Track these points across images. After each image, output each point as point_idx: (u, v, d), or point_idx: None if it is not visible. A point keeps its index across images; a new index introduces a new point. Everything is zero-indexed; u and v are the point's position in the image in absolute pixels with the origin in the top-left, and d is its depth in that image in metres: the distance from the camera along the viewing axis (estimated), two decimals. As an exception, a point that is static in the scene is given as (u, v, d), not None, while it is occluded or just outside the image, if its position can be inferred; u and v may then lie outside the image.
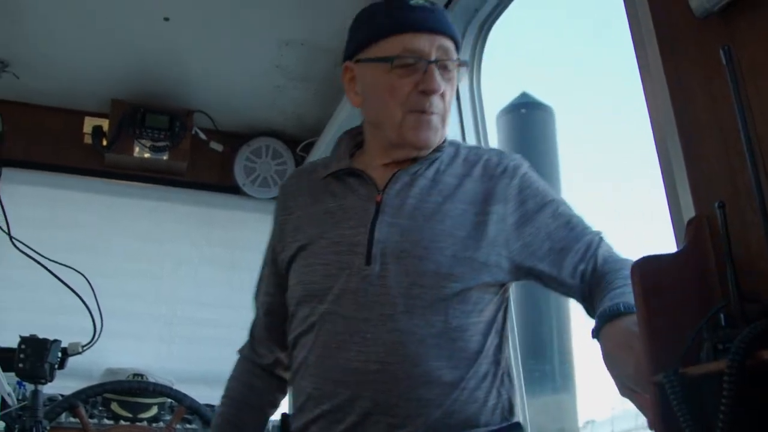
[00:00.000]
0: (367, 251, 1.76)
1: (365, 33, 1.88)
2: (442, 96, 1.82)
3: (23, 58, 3.73)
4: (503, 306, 1.84)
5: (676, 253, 1.34)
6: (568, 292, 1.79)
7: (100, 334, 3.35)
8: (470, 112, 2.85)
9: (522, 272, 1.81)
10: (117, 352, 3.85)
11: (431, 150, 1.86)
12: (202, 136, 4.19)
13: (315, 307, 1.78)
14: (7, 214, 3.73)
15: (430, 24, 1.81)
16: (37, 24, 3.43)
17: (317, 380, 1.74)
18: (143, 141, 4.00)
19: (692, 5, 1.42)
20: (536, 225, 1.80)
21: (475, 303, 1.74)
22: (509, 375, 1.83)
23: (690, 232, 1.34)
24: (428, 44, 1.79)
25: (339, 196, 1.88)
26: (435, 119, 1.81)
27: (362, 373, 1.68)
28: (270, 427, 2.12)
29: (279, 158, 4.29)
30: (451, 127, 2.81)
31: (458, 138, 2.82)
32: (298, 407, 1.80)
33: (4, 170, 3.88)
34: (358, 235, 1.79)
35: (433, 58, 1.79)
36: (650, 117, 1.58)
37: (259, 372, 2.06)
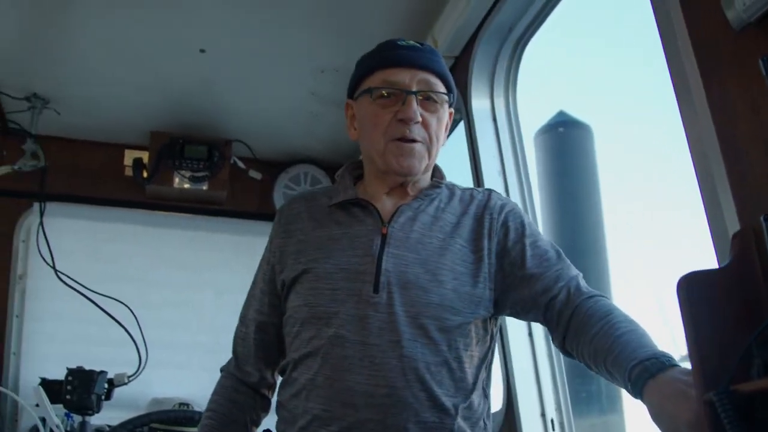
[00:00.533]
0: (375, 279, 1.84)
1: (357, 72, 2.02)
2: (425, 126, 1.91)
3: (63, 95, 3.80)
4: (493, 343, 1.96)
5: (722, 267, 1.32)
6: (537, 314, 1.88)
7: (145, 364, 3.38)
8: (507, 131, 2.84)
9: (501, 303, 1.92)
10: (162, 382, 3.87)
11: (416, 176, 1.96)
12: (241, 165, 4.22)
13: (321, 330, 1.84)
14: (51, 247, 3.79)
15: (413, 60, 1.93)
16: (76, 61, 3.48)
17: (326, 401, 1.79)
18: (183, 172, 4.04)
19: (729, 17, 1.41)
20: (513, 255, 1.90)
21: (472, 337, 1.86)
22: (490, 410, 1.96)
23: (736, 245, 1.32)
24: (408, 77, 1.91)
25: (344, 224, 1.95)
26: (417, 147, 1.91)
27: (372, 396, 1.76)
28: None
29: (317, 185, 4.31)
30: (488, 148, 2.82)
31: (496, 158, 2.82)
32: (300, 427, 1.83)
33: (48, 205, 3.94)
34: (365, 263, 1.86)
35: (413, 89, 1.90)
36: (686, 132, 1.56)
37: (244, 389, 2.10)
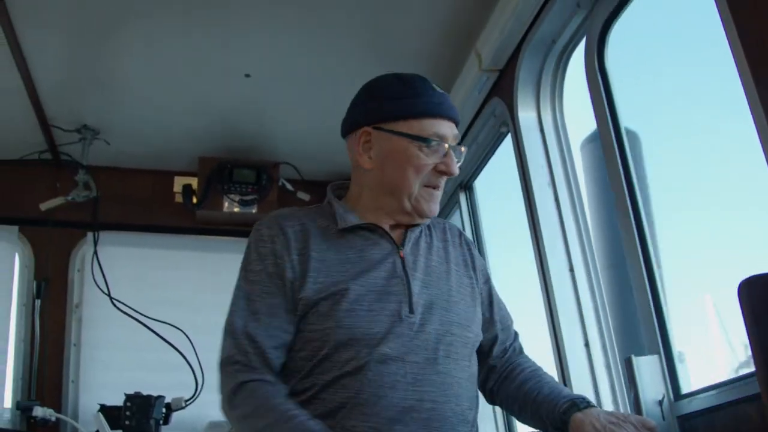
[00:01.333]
0: (409, 300, 1.91)
1: (394, 107, 2.00)
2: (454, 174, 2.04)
3: (113, 125, 3.86)
4: None
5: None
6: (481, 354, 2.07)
7: (201, 388, 3.40)
8: (555, 142, 2.81)
9: None
10: (219, 406, 3.87)
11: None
12: (289, 187, 4.24)
13: (360, 351, 1.85)
14: (106, 275, 3.84)
15: (450, 112, 2.01)
16: (124, 91, 3.54)
17: (371, 418, 1.81)
18: (232, 196, 4.07)
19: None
20: (483, 296, 2.13)
21: (476, 353, 2.02)
22: None
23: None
24: (449, 130, 2.00)
25: (358, 248, 1.97)
26: (440, 195, 2.05)
27: (418, 411, 1.82)
28: None
29: (366, 203, 4.30)
30: (536, 159, 2.81)
31: (545, 169, 2.80)
32: None
33: (101, 234, 4.00)
34: (394, 285, 1.93)
35: (450, 143, 2.00)
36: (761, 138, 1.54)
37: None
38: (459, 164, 2.02)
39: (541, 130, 2.84)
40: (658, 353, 2.40)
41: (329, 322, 1.87)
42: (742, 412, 1.97)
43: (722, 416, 2.07)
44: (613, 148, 2.44)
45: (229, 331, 1.99)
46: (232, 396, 1.87)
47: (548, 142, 2.81)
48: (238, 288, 2.02)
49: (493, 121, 3.18)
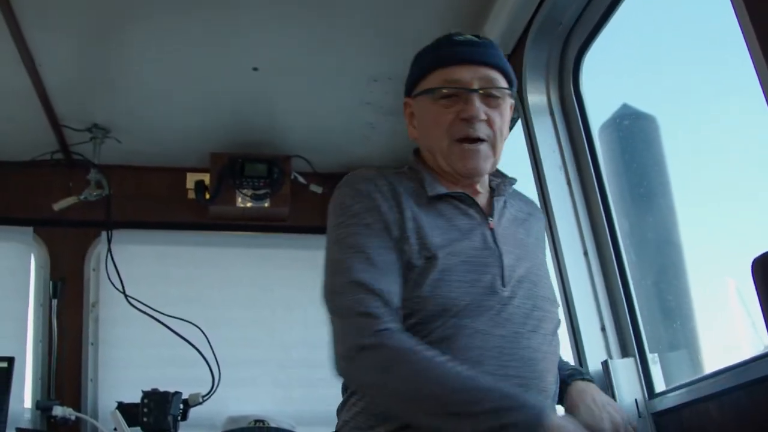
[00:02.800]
0: (501, 273, 1.85)
1: (416, 70, 2.01)
2: (489, 123, 1.91)
3: (123, 123, 3.86)
4: None
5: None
6: None
7: (218, 383, 3.41)
8: (565, 126, 2.79)
9: None
10: (236, 400, 3.89)
11: (482, 177, 1.98)
12: (301, 179, 4.23)
13: (447, 320, 1.79)
14: (121, 274, 3.84)
15: (472, 56, 1.92)
16: (133, 89, 3.54)
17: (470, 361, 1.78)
18: (244, 191, 4.06)
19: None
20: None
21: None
22: None
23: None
24: (469, 75, 1.90)
25: (448, 216, 1.92)
26: (483, 147, 1.92)
27: (506, 377, 1.77)
28: None
29: (379, 194, 4.29)
30: (546, 143, 2.78)
31: (556, 153, 2.78)
32: None
33: (115, 232, 4.00)
34: (487, 256, 1.86)
35: (475, 87, 1.89)
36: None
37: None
38: (501, 109, 1.92)
39: (551, 114, 2.82)
40: (633, 355, 2.46)
41: (418, 290, 1.81)
42: (704, 410, 2.09)
43: (689, 413, 2.18)
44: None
45: (348, 284, 1.79)
46: (365, 348, 1.73)
47: (558, 126, 2.79)
48: (344, 244, 1.84)
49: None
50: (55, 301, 4.03)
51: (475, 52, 1.93)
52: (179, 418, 3.16)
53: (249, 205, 4.08)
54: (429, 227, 1.86)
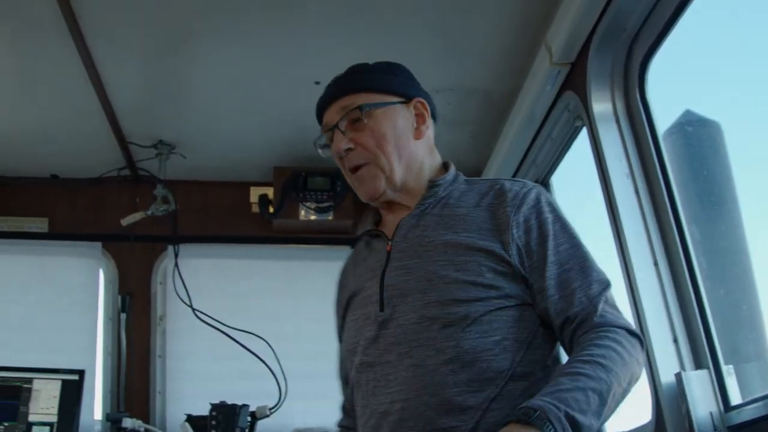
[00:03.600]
0: (380, 298, 1.85)
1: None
2: (362, 146, 1.94)
3: (188, 139, 3.91)
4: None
5: None
6: (554, 330, 1.86)
7: (285, 396, 3.42)
8: (632, 134, 2.75)
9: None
10: (303, 413, 3.89)
11: (383, 196, 1.96)
12: (364, 192, 4.22)
13: (353, 361, 1.90)
14: (187, 287, 3.89)
15: (330, 95, 2.02)
16: (197, 104, 3.59)
17: (361, 429, 1.86)
18: (308, 204, 4.08)
19: None
20: (534, 260, 1.84)
21: (493, 322, 1.77)
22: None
23: None
24: (331, 114, 1.99)
25: (363, 257, 2.02)
26: (364, 171, 1.94)
27: (390, 413, 1.75)
28: None
29: (440, 205, 4.27)
30: (613, 151, 2.73)
31: (623, 161, 2.73)
32: None
33: (181, 246, 4.05)
34: (373, 286, 1.88)
35: (335, 122, 1.97)
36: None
37: None
38: (367, 124, 1.94)
39: (617, 122, 2.77)
40: (708, 367, 2.39)
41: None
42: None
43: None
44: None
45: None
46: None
47: (624, 134, 2.74)
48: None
49: (566, 115, 3.13)
50: (123, 315, 4.09)
51: (332, 90, 2.03)
52: (247, 430, 3.17)
53: (312, 218, 4.10)
54: (351, 281, 2.08)
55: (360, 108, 1.95)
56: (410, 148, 1.98)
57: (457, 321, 1.75)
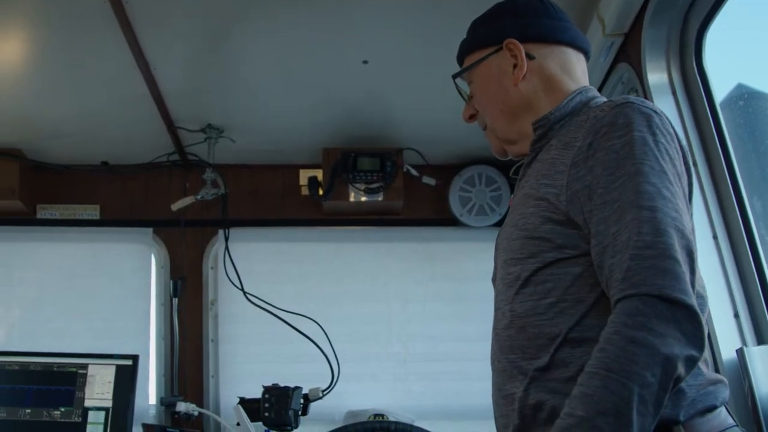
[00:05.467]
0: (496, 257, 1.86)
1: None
2: (479, 107, 1.93)
3: (237, 123, 3.90)
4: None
5: None
6: None
7: (337, 378, 3.40)
8: (689, 105, 2.67)
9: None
10: (356, 395, 3.89)
11: (509, 154, 1.93)
12: (414, 172, 4.19)
13: None
14: (238, 271, 3.89)
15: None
16: (244, 87, 3.56)
17: None
18: (357, 185, 4.05)
19: None
20: (583, 205, 1.59)
21: (548, 283, 1.62)
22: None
23: None
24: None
25: None
26: (486, 134, 1.95)
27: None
28: None
29: (493, 184, 4.22)
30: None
31: (680, 133, 2.65)
32: None
33: (232, 230, 4.05)
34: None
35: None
36: None
37: None
38: (474, 85, 1.94)
39: (673, 93, 2.70)
40: None
41: None
42: None
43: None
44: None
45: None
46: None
47: (681, 105, 2.67)
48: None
49: (620, 87, 3.05)
50: (175, 300, 4.11)
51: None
52: (300, 412, 3.16)
53: (363, 199, 4.08)
54: None
55: (462, 71, 1.96)
56: (510, 99, 1.85)
57: (512, 282, 1.67)
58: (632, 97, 1.63)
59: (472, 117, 1.96)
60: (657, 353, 1.38)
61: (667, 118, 1.64)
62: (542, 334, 1.60)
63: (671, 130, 1.63)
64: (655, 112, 1.61)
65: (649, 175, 1.52)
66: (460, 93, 1.98)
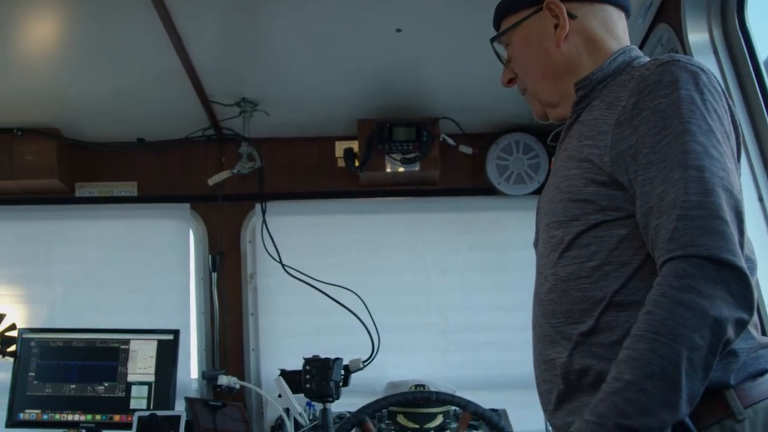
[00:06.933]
0: (537, 221, 1.83)
1: None
2: (522, 72, 1.87)
3: (271, 96, 3.88)
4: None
5: None
6: None
7: (377, 349, 3.40)
8: (731, 65, 2.61)
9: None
10: (396, 365, 3.89)
11: (550, 118, 1.88)
12: (450, 141, 4.15)
13: None
14: (276, 244, 3.89)
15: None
16: (278, 59, 3.54)
17: None
18: (393, 155, 4.03)
19: None
20: (629, 165, 1.55)
21: (591, 245, 1.58)
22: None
23: None
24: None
25: None
26: (526, 97, 1.91)
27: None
28: None
29: (530, 152, 4.17)
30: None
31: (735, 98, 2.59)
32: None
33: (269, 204, 4.06)
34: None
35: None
36: None
37: None
38: (513, 47, 1.88)
39: (715, 53, 2.63)
40: None
41: None
42: None
43: None
44: None
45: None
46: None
47: (723, 65, 2.61)
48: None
49: (660, 49, 2.99)
50: (214, 275, 4.13)
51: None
52: (341, 383, 3.17)
53: (399, 170, 4.05)
54: None
55: (498, 35, 1.90)
56: (552, 61, 1.80)
57: (555, 245, 1.64)
58: (678, 55, 1.59)
59: (510, 81, 1.91)
60: (706, 315, 1.34)
61: (714, 76, 1.58)
62: (586, 297, 1.56)
63: (719, 88, 1.58)
64: (702, 70, 1.57)
65: (697, 134, 1.48)
66: (499, 57, 1.93)
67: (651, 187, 1.49)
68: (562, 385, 1.58)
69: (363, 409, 3.22)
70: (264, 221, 3.99)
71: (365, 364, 3.30)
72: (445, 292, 4.21)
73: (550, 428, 1.71)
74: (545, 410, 1.67)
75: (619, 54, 1.76)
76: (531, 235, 1.90)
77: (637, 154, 1.52)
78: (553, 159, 1.84)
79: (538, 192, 3.98)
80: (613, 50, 1.77)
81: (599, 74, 1.74)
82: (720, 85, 1.59)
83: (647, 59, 1.72)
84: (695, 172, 1.45)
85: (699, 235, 1.40)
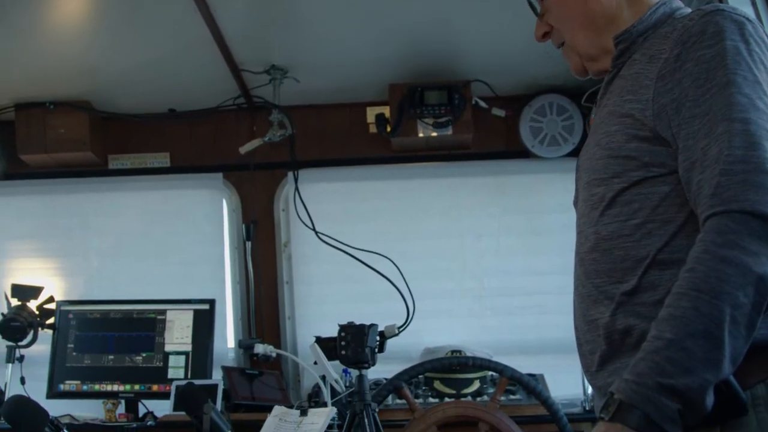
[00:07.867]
0: (577, 178, 1.78)
1: None
2: (559, 24, 1.79)
3: (300, 62, 3.85)
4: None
5: None
6: None
7: (413, 315, 3.39)
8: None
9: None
10: (432, 331, 3.87)
11: (589, 72, 1.81)
12: (483, 104, 4.10)
13: None
14: (310, 212, 3.88)
15: None
16: (307, 25, 3.51)
17: None
18: (425, 120, 3.98)
19: None
20: (672, 120, 1.49)
21: (634, 203, 1.54)
22: None
23: None
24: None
25: None
26: (563, 51, 1.82)
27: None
28: None
29: (564, 113, 4.09)
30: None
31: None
32: None
33: (301, 172, 4.04)
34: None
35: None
36: None
37: None
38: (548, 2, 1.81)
39: (753, 3, 2.56)
40: None
41: None
42: None
43: None
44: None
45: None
46: None
47: (762, 13, 2.53)
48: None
49: (696, 2, 2.92)
50: (248, 244, 4.14)
51: None
52: (376, 350, 3.15)
53: (432, 134, 4.00)
54: None
55: None
56: (592, 13, 1.74)
57: (596, 203, 1.60)
58: (722, 5, 1.53)
59: (545, 35, 1.83)
60: (749, 272, 1.31)
61: (761, 25, 1.52)
62: (629, 256, 1.53)
63: (766, 39, 1.52)
64: (748, 19, 1.51)
65: (742, 86, 1.42)
66: (533, 8, 1.85)
67: (694, 142, 1.44)
68: (605, 346, 1.55)
69: (399, 375, 3.22)
70: (296, 189, 3.98)
71: (400, 330, 3.29)
72: (480, 257, 4.18)
73: (589, 391, 1.68)
74: (587, 371, 1.64)
75: (659, 5, 1.69)
76: (566, 199, 1.86)
77: (681, 108, 1.47)
78: (591, 117, 1.79)
79: (572, 154, 3.92)
80: (653, 2, 1.71)
81: (640, 27, 1.67)
82: (767, 34, 1.53)
83: (689, 10, 1.66)
84: (740, 124, 1.39)
85: (743, 190, 1.35)
